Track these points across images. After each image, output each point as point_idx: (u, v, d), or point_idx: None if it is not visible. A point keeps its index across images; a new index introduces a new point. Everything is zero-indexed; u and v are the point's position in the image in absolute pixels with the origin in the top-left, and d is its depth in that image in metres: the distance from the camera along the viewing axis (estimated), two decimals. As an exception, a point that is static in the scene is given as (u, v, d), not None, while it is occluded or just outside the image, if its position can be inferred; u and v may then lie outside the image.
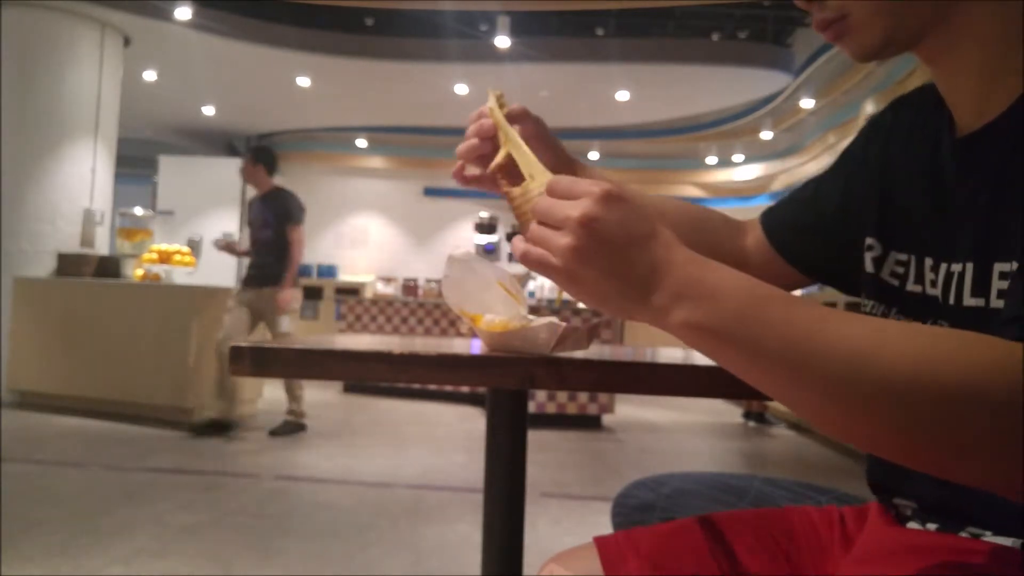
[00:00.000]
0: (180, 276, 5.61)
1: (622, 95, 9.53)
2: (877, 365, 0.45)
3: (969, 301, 0.60)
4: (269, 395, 6.05)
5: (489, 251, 12.14)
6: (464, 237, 12.53)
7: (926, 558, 0.61)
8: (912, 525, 0.68)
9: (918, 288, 0.68)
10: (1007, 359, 0.44)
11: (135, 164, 10.91)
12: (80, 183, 6.08)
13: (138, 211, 6.03)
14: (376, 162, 12.70)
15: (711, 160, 12.64)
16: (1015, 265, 0.55)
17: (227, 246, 5.01)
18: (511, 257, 11.45)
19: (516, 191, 0.67)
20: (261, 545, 2.57)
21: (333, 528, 2.80)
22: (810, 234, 0.84)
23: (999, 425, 0.43)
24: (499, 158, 0.74)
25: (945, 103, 0.67)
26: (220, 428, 4.60)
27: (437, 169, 12.75)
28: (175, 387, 4.95)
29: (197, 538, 2.61)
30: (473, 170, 0.79)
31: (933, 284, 0.66)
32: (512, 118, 0.78)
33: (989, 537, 0.60)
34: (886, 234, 0.73)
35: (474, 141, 0.77)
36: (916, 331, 0.48)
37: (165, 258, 5.61)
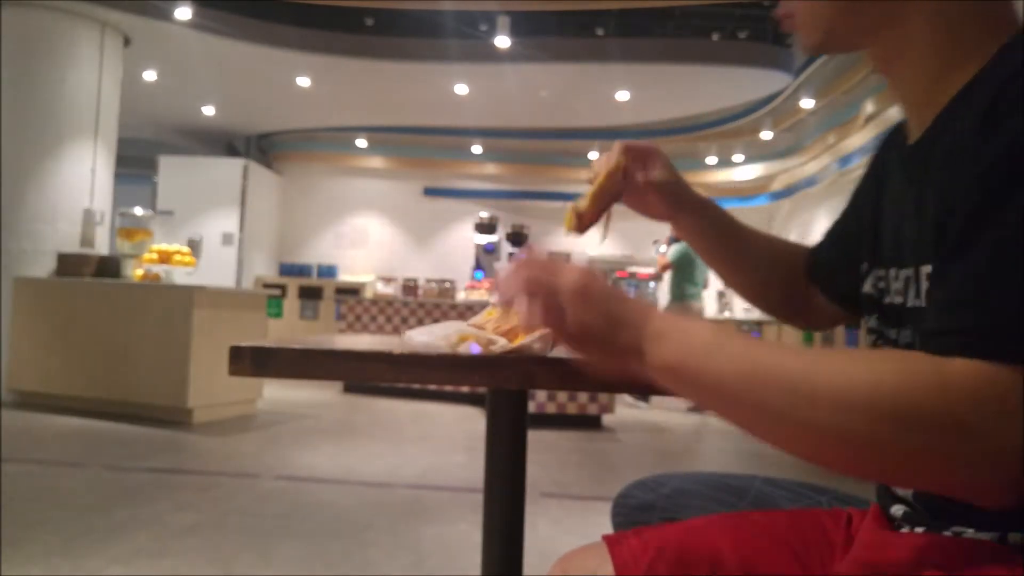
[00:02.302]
0: (180, 276, 5.61)
1: (622, 95, 9.53)
2: (810, 387, 0.51)
3: (913, 302, 0.65)
4: (269, 394, 6.05)
5: (489, 251, 12.14)
6: (464, 237, 12.53)
7: (910, 557, 0.63)
8: (904, 530, 0.69)
9: (891, 300, 0.72)
10: (930, 377, 0.48)
11: (135, 164, 10.90)
12: (80, 183, 6.08)
13: (138, 211, 6.03)
14: (376, 162, 12.69)
15: (711, 160, 12.64)
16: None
17: None
18: (511, 257, 11.48)
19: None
20: (261, 545, 2.57)
21: (333, 528, 2.80)
22: (838, 269, 0.87)
23: (930, 440, 0.48)
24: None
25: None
26: None
27: (437, 169, 12.74)
28: (175, 387, 4.95)
29: (197, 538, 2.61)
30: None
31: (898, 292, 0.70)
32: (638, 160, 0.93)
33: (970, 534, 0.61)
34: (873, 255, 0.76)
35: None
36: (849, 355, 0.53)
37: (165, 258, 5.60)
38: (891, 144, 0.78)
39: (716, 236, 0.98)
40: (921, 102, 0.66)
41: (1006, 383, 0.46)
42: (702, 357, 0.58)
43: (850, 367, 0.51)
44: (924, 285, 0.62)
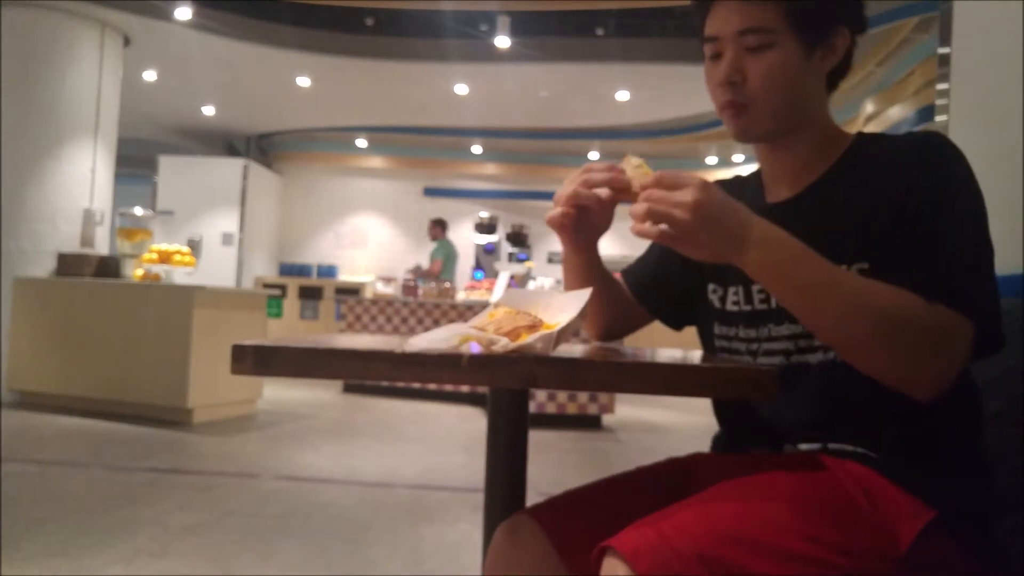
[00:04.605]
0: (180, 276, 5.60)
1: (622, 95, 9.53)
2: (863, 300, 0.79)
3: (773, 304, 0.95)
4: (269, 394, 6.05)
5: (489, 251, 12.13)
6: (464, 237, 12.53)
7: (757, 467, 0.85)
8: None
9: (748, 307, 0.98)
10: (916, 302, 0.79)
11: (135, 164, 10.90)
12: (80, 183, 6.08)
13: (138, 211, 6.03)
14: (376, 162, 12.68)
15: (711, 160, 12.64)
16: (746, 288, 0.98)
17: None
18: (511, 257, 11.39)
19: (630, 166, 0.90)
20: (261, 545, 2.58)
21: (333, 528, 2.80)
22: (662, 287, 1.14)
23: (917, 340, 0.78)
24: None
25: (752, 182, 1.05)
26: None
27: (437, 169, 12.73)
28: (175, 387, 4.95)
29: (197, 538, 2.61)
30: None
31: (762, 301, 0.97)
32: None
33: (790, 448, 0.92)
34: (721, 277, 1.02)
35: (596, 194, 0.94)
36: (879, 283, 0.81)
37: (165, 258, 5.60)
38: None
39: (599, 278, 1.09)
40: (796, 174, 0.97)
41: (964, 325, 0.79)
42: (791, 264, 0.80)
43: (885, 290, 0.79)
44: (758, 295, 0.97)
